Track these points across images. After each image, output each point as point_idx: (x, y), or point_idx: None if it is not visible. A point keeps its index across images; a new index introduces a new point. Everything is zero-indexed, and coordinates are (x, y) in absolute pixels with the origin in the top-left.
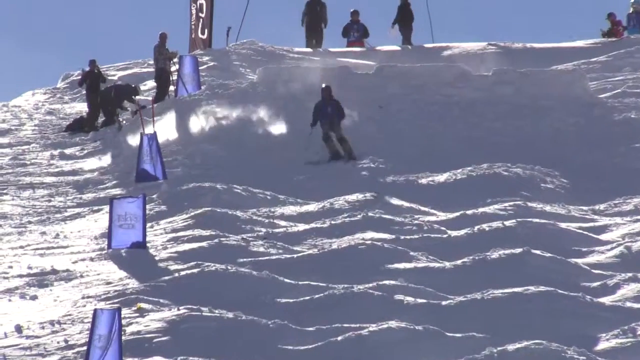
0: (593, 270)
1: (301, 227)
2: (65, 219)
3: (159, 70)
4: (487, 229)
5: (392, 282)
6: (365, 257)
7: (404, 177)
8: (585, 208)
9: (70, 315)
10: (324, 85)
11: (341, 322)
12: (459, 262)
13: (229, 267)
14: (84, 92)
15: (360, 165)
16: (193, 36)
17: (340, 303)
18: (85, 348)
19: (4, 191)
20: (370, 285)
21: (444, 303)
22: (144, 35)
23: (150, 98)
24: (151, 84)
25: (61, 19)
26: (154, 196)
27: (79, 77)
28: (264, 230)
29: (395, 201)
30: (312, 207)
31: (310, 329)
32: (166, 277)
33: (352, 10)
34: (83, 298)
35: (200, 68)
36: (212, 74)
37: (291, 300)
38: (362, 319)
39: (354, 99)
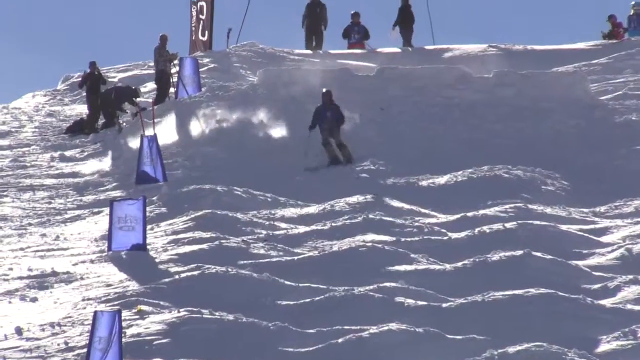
0: (594, 273)
1: (302, 229)
2: (66, 221)
3: (159, 72)
4: (487, 231)
5: (393, 284)
6: (365, 259)
7: (404, 179)
8: (585, 210)
9: (70, 317)
10: (324, 90)
11: (342, 324)
12: (459, 264)
13: (230, 269)
14: (84, 94)
15: (360, 167)
16: (193, 38)
17: (340, 305)
18: (85, 350)
19: (4, 193)
20: (371, 287)
21: (444, 305)
22: (144, 37)
23: (150, 100)
24: (151, 85)
25: (61, 20)
26: (154, 198)
27: (79, 79)
28: (264, 232)
29: (395, 203)
30: (313, 209)
31: (311, 331)
32: (166, 279)
33: (352, 12)
34: (83, 300)
35: (200, 70)
36: (213, 76)
37: (292, 303)
38: (362, 321)
39: (354, 101)
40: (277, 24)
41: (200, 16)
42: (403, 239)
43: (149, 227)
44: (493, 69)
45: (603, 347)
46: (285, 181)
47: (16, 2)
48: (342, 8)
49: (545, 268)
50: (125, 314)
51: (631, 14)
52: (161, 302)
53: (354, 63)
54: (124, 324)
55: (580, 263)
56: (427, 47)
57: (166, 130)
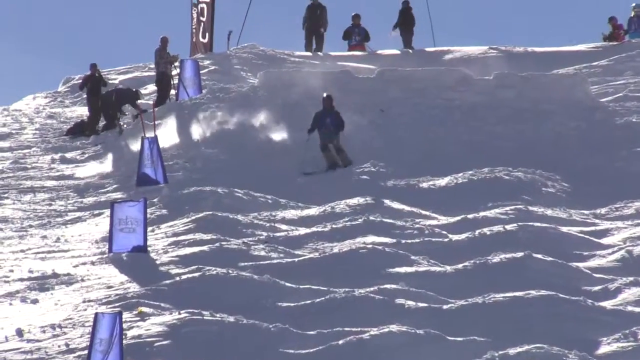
0: (594, 274)
1: (302, 231)
2: (66, 222)
3: (159, 74)
4: (488, 233)
5: (393, 286)
6: (366, 261)
7: (405, 181)
8: (586, 212)
9: (71, 319)
10: (325, 95)
11: (342, 326)
12: (460, 266)
13: (230, 271)
14: (85, 96)
15: (361, 169)
16: (194, 40)
17: (341, 307)
18: (86, 352)
19: (5, 195)
20: (372, 289)
21: (445, 307)
22: (144, 39)
23: (151, 102)
24: (152, 87)
25: (62, 22)
26: (155, 200)
27: (80, 81)
28: (265, 234)
29: (396, 205)
30: (313, 211)
31: (312, 332)
32: (167, 281)
33: (353, 14)
34: (84, 302)
35: (201, 72)
36: (213, 78)
37: (292, 304)
38: (363, 323)
39: (355, 103)
40: (277, 26)
41: (201, 18)
42: (403, 241)
43: (149, 228)
44: (493, 71)
45: (603, 349)
46: (285, 183)
47: (17, 4)
48: (343, 10)
49: (546, 270)
50: (126, 315)
51: (632, 16)
52: (162, 304)
53: (354, 65)
54: (124, 325)
55: (580, 265)
56: (427, 49)
57: (167, 132)
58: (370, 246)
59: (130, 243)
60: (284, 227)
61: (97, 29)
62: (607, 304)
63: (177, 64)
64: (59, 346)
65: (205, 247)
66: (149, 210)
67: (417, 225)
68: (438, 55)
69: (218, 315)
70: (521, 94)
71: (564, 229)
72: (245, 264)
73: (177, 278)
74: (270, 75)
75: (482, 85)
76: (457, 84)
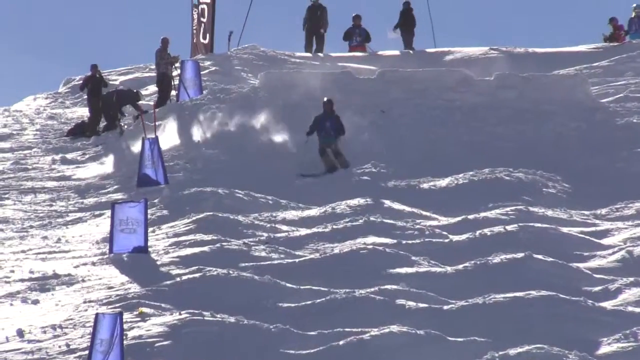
0: (595, 275)
1: (303, 231)
2: (67, 223)
3: (160, 75)
4: (488, 233)
5: (394, 286)
6: (366, 261)
7: (405, 181)
8: (587, 212)
9: (71, 319)
10: (325, 99)
11: (343, 326)
12: (460, 266)
13: (231, 272)
14: (86, 96)
15: (362, 169)
16: (195, 41)
17: (342, 307)
18: (87, 352)
19: (6, 196)
20: (372, 289)
21: (445, 307)
22: (145, 40)
23: (151, 103)
24: (153, 88)
25: (63, 23)
26: (156, 201)
27: (81, 81)
28: (265, 234)
29: (396, 206)
30: (314, 211)
31: (312, 333)
32: (168, 282)
33: (354, 14)
34: (85, 302)
35: (202, 73)
36: (214, 79)
37: (293, 305)
38: (363, 324)
39: (356, 104)
40: (278, 27)
41: (202, 19)
42: (404, 242)
43: (150, 229)
44: (494, 71)
45: (604, 349)
46: (286, 184)
47: (18, 5)
48: (343, 11)
49: (546, 270)
50: (126, 316)
51: (632, 16)
52: (162, 305)
53: (355, 66)
54: (125, 326)
55: (581, 265)
56: (428, 50)
57: (167, 133)
58: (370, 247)
59: (131, 244)
60: (284, 227)
61: (98, 29)
62: (608, 305)
63: (177, 64)
64: (59, 347)
65: (205, 248)
66: (149, 211)
67: (418, 226)
68: (439, 56)
69: (219, 315)
70: (522, 95)
71: (565, 229)
72: (246, 264)
73: (178, 279)
74: (271, 76)
75: (482, 86)
76: (458, 85)
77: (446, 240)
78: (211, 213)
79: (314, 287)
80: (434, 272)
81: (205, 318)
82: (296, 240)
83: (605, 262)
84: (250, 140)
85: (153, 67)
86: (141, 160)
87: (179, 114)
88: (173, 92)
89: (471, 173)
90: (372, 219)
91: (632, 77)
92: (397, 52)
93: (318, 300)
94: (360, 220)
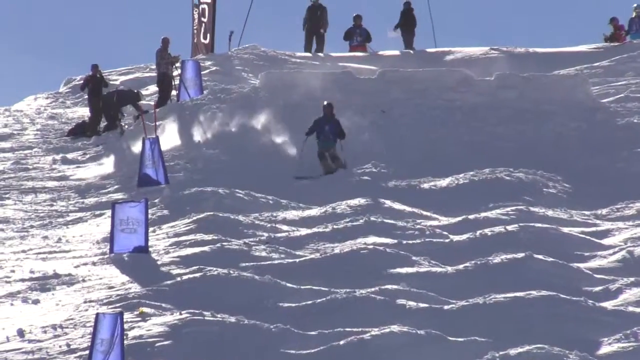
0: (595, 275)
1: (303, 231)
2: (68, 223)
3: (161, 75)
4: (489, 233)
5: (394, 286)
6: (367, 261)
7: (406, 181)
8: (587, 213)
9: (72, 319)
10: (325, 103)
11: (343, 326)
12: (461, 266)
13: (231, 272)
14: (86, 96)
15: (362, 169)
16: (195, 41)
17: (342, 307)
18: (87, 352)
19: (6, 195)
20: (373, 289)
21: (446, 307)
22: (146, 39)
23: (152, 103)
24: (153, 88)
25: (64, 23)
26: (156, 201)
27: (81, 81)
28: (266, 234)
29: (397, 206)
30: (314, 211)
31: (313, 333)
32: (168, 282)
33: (354, 14)
34: (85, 302)
35: (202, 73)
36: (215, 79)
37: (293, 305)
38: (364, 324)
39: (356, 104)
40: (278, 26)
41: (202, 19)
42: (405, 242)
43: (150, 229)
44: (495, 71)
45: (604, 349)
46: (287, 184)
47: (18, 5)
48: (344, 11)
49: (547, 270)
50: (127, 316)
51: (633, 16)
52: (163, 304)
53: (355, 66)
54: (125, 326)
55: (581, 265)
56: (428, 50)
57: (168, 133)
58: (371, 247)
59: (131, 243)
60: (285, 227)
61: (99, 29)
62: (608, 305)
63: (178, 64)
64: (60, 346)
65: (206, 248)
66: (150, 211)
67: (418, 226)
68: (439, 56)
69: (219, 315)
70: (522, 95)
71: (565, 229)
72: (247, 264)
73: (178, 278)
74: (272, 76)
75: (483, 86)
76: (459, 85)
77: (447, 240)
78: (212, 213)
79: (314, 287)
80: (435, 272)
81: (205, 318)
82: (297, 240)
83: (605, 262)
84: (250, 140)
85: (154, 67)
86: (142, 160)
87: (180, 114)
88: (174, 92)
89: (472, 173)
90: (372, 219)
91: (632, 77)
92: (397, 52)
93: (319, 300)
94: (361, 220)
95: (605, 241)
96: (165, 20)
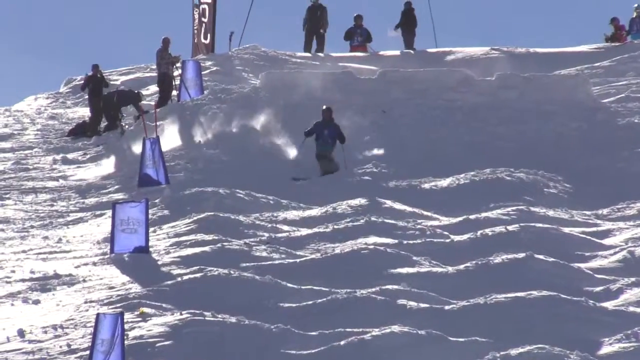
0: (596, 275)
1: (304, 231)
2: (68, 223)
3: (161, 75)
4: (490, 233)
5: (395, 286)
6: (368, 261)
7: (406, 181)
8: (588, 213)
9: (72, 319)
10: (324, 107)
11: (344, 326)
12: (461, 266)
13: (232, 272)
14: (87, 96)
15: (363, 170)
16: (196, 41)
17: (343, 308)
18: (87, 352)
19: (7, 196)
20: (373, 289)
21: (446, 308)
22: (146, 40)
23: (152, 103)
24: (154, 88)
25: (64, 23)
26: (157, 201)
27: (82, 81)
28: (266, 234)
29: (397, 206)
30: (315, 211)
31: (313, 333)
32: (169, 282)
33: (355, 14)
34: (86, 302)
35: (203, 73)
36: (215, 79)
37: (294, 305)
38: (365, 324)
39: (357, 104)
40: (279, 27)
41: (203, 19)
42: (405, 242)
43: (151, 229)
44: (495, 71)
45: (605, 350)
46: (287, 184)
47: (19, 5)
48: (344, 11)
49: (548, 270)
50: (127, 316)
51: (634, 16)
52: (163, 305)
53: (356, 66)
54: (126, 326)
55: (582, 265)
56: (429, 50)
57: (168, 133)
58: (371, 247)
59: (132, 244)
60: (285, 227)
61: (99, 29)
62: (609, 305)
63: (178, 64)
64: (60, 347)
65: (206, 248)
66: (150, 211)
67: (419, 226)
68: (440, 56)
69: (220, 315)
70: (523, 95)
71: (566, 229)
72: (247, 264)
73: (179, 279)
74: (272, 76)
75: (484, 86)
76: (459, 85)
77: (447, 241)
78: (212, 213)
79: (315, 287)
80: (435, 272)
81: (206, 318)
82: (297, 240)
83: (606, 263)
84: (251, 140)
85: (154, 67)
86: (142, 160)
87: (180, 114)
88: (174, 92)
89: (472, 173)
90: (373, 219)
91: (633, 77)
92: (398, 52)
93: (319, 301)
94: (362, 221)
95: (606, 241)
96: (166, 20)
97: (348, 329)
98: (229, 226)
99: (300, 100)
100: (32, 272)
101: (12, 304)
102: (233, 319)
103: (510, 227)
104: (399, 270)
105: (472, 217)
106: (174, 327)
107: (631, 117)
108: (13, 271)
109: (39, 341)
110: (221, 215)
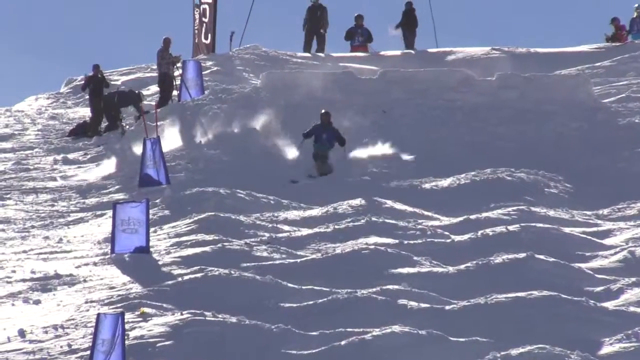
0: (596, 275)
1: (304, 231)
2: (69, 223)
3: (162, 75)
4: (490, 233)
5: (396, 286)
6: (368, 261)
7: (407, 182)
8: (588, 213)
9: (73, 319)
10: (323, 111)
11: (345, 326)
12: (462, 266)
13: (233, 272)
14: (87, 96)
15: (363, 170)
16: (196, 41)
17: (343, 308)
18: (88, 352)
19: (8, 196)
20: (374, 289)
21: (447, 308)
22: (147, 40)
23: (153, 103)
24: (154, 88)
25: (65, 23)
26: (157, 201)
27: (82, 81)
28: (267, 235)
29: (398, 206)
30: (316, 211)
31: (314, 333)
32: (169, 282)
33: (356, 14)
34: (86, 302)
35: (203, 73)
36: (216, 79)
37: (295, 305)
38: (365, 324)
39: (357, 104)
40: (279, 27)
41: (203, 19)
42: (406, 242)
43: (152, 229)
44: (496, 71)
45: (605, 350)
46: (288, 184)
47: (19, 5)
48: (345, 11)
49: (548, 270)
50: (128, 316)
51: (634, 16)
52: (164, 305)
53: (356, 66)
54: (127, 326)
55: (583, 265)
56: (430, 50)
57: (169, 133)
58: (372, 247)
59: (132, 244)
60: (286, 227)
61: (100, 29)
62: (610, 305)
63: (179, 64)
64: (61, 347)
65: (207, 248)
66: (151, 211)
67: (420, 226)
68: (440, 56)
69: (220, 315)
70: (524, 95)
71: (567, 229)
72: (248, 264)
73: (180, 279)
74: (273, 76)
75: (484, 86)
76: (460, 85)
77: (448, 241)
78: (213, 213)
79: (315, 287)
80: (436, 272)
81: (206, 318)
82: (298, 240)
83: (607, 263)
84: (251, 141)
85: (155, 67)
86: (143, 161)
87: (181, 114)
88: (175, 92)
89: (473, 173)
90: (373, 219)
91: (634, 77)
92: (398, 52)
93: (320, 301)
94: (362, 221)
95: (607, 241)
96: (166, 20)
97: (349, 329)
98: (230, 226)
99: (301, 101)
100: (32, 272)
101: (13, 304)
102: (234, 319)
103: (510, 227)
104: (400, 270)
105: (472, 217)
106: (175, 327)
107: (632, 117)
108: (14, 271)
109: (40, 341)
110: (222, 215)
